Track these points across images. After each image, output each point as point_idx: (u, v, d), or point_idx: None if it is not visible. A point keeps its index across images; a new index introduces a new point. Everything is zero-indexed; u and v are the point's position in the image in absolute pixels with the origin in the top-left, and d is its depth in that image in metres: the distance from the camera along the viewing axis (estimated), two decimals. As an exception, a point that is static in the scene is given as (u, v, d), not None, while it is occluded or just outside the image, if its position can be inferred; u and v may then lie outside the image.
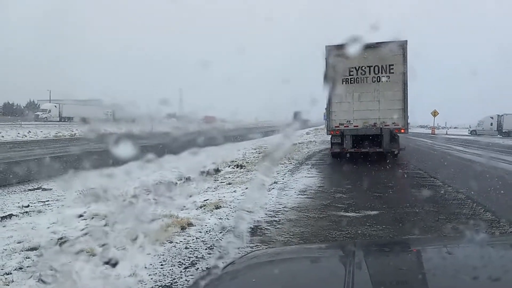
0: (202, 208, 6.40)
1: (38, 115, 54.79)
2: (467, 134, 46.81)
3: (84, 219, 5.79)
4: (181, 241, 4.69)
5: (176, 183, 9.22)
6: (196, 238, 4.83)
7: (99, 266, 3.85)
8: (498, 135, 43.58)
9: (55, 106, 58.36)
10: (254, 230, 5.12)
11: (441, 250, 1.83)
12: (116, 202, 6.90)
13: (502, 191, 7.40)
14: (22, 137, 25.91)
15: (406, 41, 12.69)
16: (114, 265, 3.93)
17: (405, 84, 12.73)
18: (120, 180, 10.23)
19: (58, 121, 52.51)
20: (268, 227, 5.27)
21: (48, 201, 7.80)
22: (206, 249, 4.40)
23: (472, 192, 7.47)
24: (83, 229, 5.22)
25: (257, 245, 4.49)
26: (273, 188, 8.30)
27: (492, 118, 46.64)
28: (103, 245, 4.44)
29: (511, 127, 44.61)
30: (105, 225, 5.41)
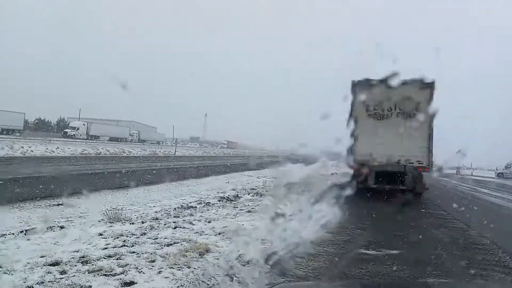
0: (221, 234, 6.41)
1: (67, 132, 56.46)
2: (494, 176, 45.49)
3: (105, 238, 5.88)
4: (199, 267, 4.70)
5: (196, 207, 9.27)
6: (214, 264, 4.83)
7: (118, 287, 3.90)
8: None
9: (84, 124, 60.18)
10: (273, 262, 5.09)
11: None
12: (137, 223, 7.00)
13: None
14: (50, 153, 26.69)
15: (434, 81, 12.65)
16: (132, 286, 3.97)
17: (431, 123, 12.61)
18: (142, 202, 10.41)
19: (85, 139, 53.92)
20: (288, 260, 5.23)
21: (71, 217, 7.96)
22: (223, 276, 4.40)
23: (498, 238, 7.24)
24: (104, 249, 5.30)
25: (275, 278, 4.47)
26: (292, 220, 8.24)
27: (520, 161, 45.30)
28: (123, 266, 4.50)
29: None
30: (125, 245, 5.49)
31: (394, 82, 12.92)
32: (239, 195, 11.51)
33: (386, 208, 10.77)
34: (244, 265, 4.89)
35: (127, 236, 5.99)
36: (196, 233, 6.50)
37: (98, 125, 63.87)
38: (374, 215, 9.28)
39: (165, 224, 7.03)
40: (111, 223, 6.92)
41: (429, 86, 12.63)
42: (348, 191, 14.88)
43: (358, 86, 13.30)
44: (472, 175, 46.67)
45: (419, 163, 12.71)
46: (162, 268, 4.56)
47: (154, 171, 18.20)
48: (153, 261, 4.80)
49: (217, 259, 5.12)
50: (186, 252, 5.20)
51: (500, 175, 45.63)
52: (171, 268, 4.59)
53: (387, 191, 12.80)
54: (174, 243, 5.74)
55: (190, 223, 7.28)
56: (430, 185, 13.92)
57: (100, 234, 6.06)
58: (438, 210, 11.35)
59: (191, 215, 8.17)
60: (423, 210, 11.02)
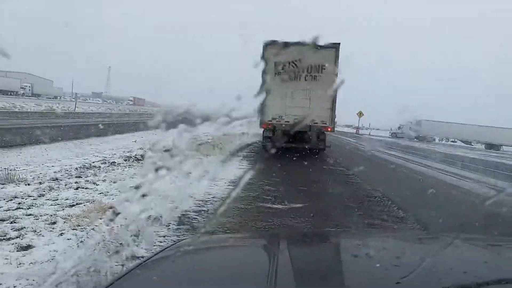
0: (127, 194, 6.22)
1: None
2: (388, 136, 50.28)
3: (-4, 201, 5.36)
4: (104, 227, 4.54)
5: (100, 167, 8.83)
6: (121, 225, 4.69)
7: (13, 251, 3.62)
8: (415, 139, 47.47)
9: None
10: (181, 219, 5.11)
11: (356, 242, 2.01)
12: (33, 184, 6.47)
13: (413, 192, 8.11)
14: None
15: (339, 44, 13.25)
16: (30, 250, 3.71)
17: (335, 85, 13.29)
18: (38, 162, 9.60)
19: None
20: (196, 217, 5.29)
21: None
22: (131, 236, 4.30)
23: (387, 191, 8.09)
24: (-6, 211, 4.83)
25: (183, 234, 4.50)
26: (202, 178, 8.29)
27: (411, 122, 50.59)
28: (19, 229, 4.17)
29: (427, 132, 48.92)
30: (21, 208, 5.07)
31: (302, 44, 13.37)
32: (147, 154, 11.18)
33: (292, 166, 11.33)
34: (152, 224, 4.83)
35: (22, 198, 5.53)
36: (100, 193, 6.23)
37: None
38: (281, 173, 9.71)
39: (66, 185, 6.61)
40: (2, 184, 6.31)
41: (334, 48, 13.22)
42: (257, 150, 15.35)
43: (268, 47, 13.44)
44: (370, 134, 51.13)
45: (323, 123, 13.48)
46: (64, 230, 4.32)
47: (51, 129, 16.82)
48: (54, 223, 4.52)
49: (124, 219, 4.98)
50: (90, 213, 4.97)
51: (393, 134, 50.55)
52: (73, 229, 4.37)
53: (293, 150, 13.43)
54: (77, 204, 5.45)
55: (94, 183, 6.94)
56: (332, 144, 14.94)
57: (-11, 196, 5.50)
58: (338, 166, 12.27)
59: (95, 175, 7.77)
60: (325, 167, 11.83)
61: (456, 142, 48.91)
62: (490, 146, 44.73)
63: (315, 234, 2.94)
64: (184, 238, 4.06)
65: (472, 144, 46.52)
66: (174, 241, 3.88)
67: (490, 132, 45.52)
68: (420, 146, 30.42)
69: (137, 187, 6.67)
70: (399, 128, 51.19)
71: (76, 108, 40.40)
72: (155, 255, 1.69)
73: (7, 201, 5.33)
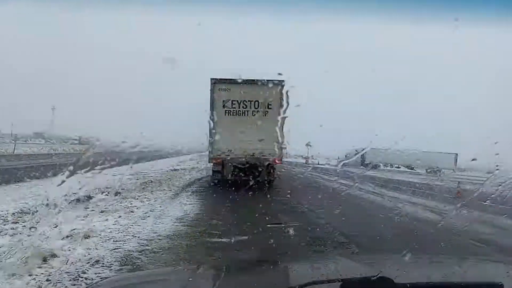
0: (69, 238, 6.03)
1: None
2: (335, 164, 51.89)
3: None
4: (42, 273, 4.38)
5: (38, 211, 8.44)
6: (60, 269, 4.55)
7: None
8: (361, 166, 49.30)
9: None
10: (124, 259, 5.03)
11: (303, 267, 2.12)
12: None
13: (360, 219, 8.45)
14: None
15: (284, 81, 13.71)
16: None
17: (282, 119, 13.74)
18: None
19: None
20: (139, 256, 5.22)
21: None
22: (70, 280, 4.19)
23: (331, 219, 8.38)
24: None
25: (125, 274, 4.43)
26: (148, 216, 8.18)
27: (357, 151, 52.51)
28: None
29: (371, 160, 51.08)
30: None
31: (249, 81, 13.85)
32: (91, 195, 10.84)
33: (241, 198, 11.40)
34: (93, 265, 4.72)
35: None
36: (39, 238, 5.97)
37: None
38: (229, 206, 9.77)
39: (0, 232, 6.30)
40: None
41: (280, 85, 13.75)
42: (207, 185, 15.33)
43: (216, 84, 13.86)
44: (318, 163, 52.57)
45: (271, 156, 13.83)
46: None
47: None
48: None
49: (64, 263, 4.83)
50: (27, 259, 4.77)
51: (340, 163, 52.24)
52: (9, 278, 4.18)
53: (243, 182, 13.54)
54: (12, 251, 5.19)
55: (32, 228, 6.64)
56: (281, 174, 15.28)
57: None
58: (285, 196, 12.52)
59: (33, 219, 7.44)
60: (273, 197, 12.03)
61: (400, 168, 51.30)
62: (432, 171, 47.42)
63: (257, 264, 3.04)
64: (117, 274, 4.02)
65: (415, 169, 48.99)
66: (108, 277, 3.84)
67: (429, 157, 48.28)
68: (363, 174, 31.59)
69: (78, 230, 6.48)
70: (346, 156, 53.02)
71: (15, 150, 38.30)
72: None
73: None
